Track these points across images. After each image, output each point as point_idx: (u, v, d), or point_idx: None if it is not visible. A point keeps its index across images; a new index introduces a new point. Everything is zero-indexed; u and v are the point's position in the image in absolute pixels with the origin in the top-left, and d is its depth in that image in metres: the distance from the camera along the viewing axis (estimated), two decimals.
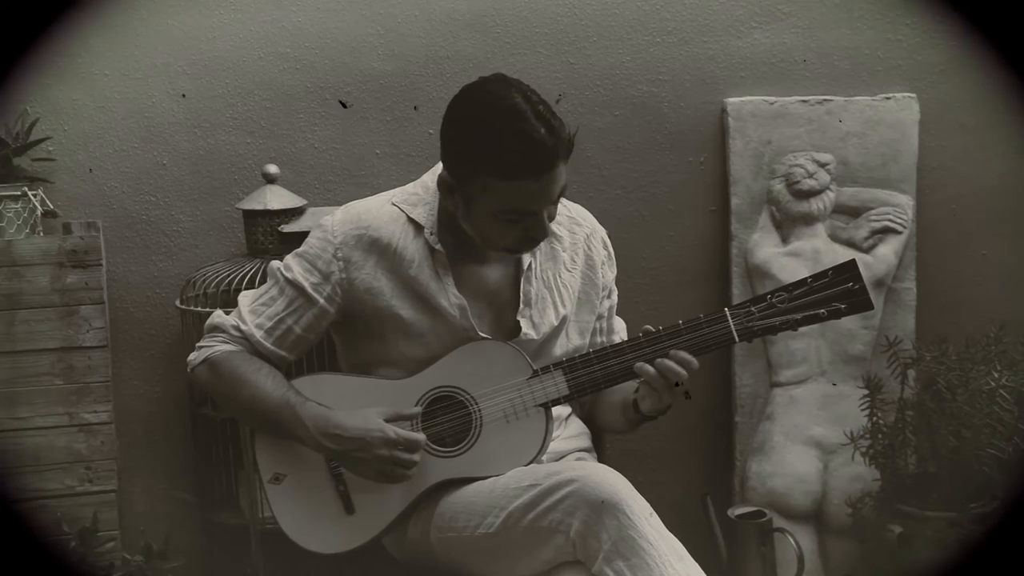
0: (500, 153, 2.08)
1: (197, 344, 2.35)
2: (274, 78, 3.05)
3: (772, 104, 3.18)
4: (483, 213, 2.16)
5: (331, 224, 2.29)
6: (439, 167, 2.24)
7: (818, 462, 3.22)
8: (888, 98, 3.22)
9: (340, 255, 2.27)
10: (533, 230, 2.17)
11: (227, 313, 2.35)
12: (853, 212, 3.22)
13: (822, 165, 3.19)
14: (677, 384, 2.17)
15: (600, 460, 2.43)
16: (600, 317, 2.42)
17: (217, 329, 2.33)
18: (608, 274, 2.43)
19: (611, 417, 2.40)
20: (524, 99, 2.09)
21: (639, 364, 2.18)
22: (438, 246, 2.26)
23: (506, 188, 2.10)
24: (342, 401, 2.25)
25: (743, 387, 3.23)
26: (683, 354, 2.18)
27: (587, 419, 2.47)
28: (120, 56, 2.98)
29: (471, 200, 2.16)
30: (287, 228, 2.89)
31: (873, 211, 3.21)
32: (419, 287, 2.27)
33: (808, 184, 3.17)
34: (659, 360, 2.17)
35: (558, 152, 2.09)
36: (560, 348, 2.35)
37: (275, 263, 2.33)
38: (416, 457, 2.20)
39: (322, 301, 2.28)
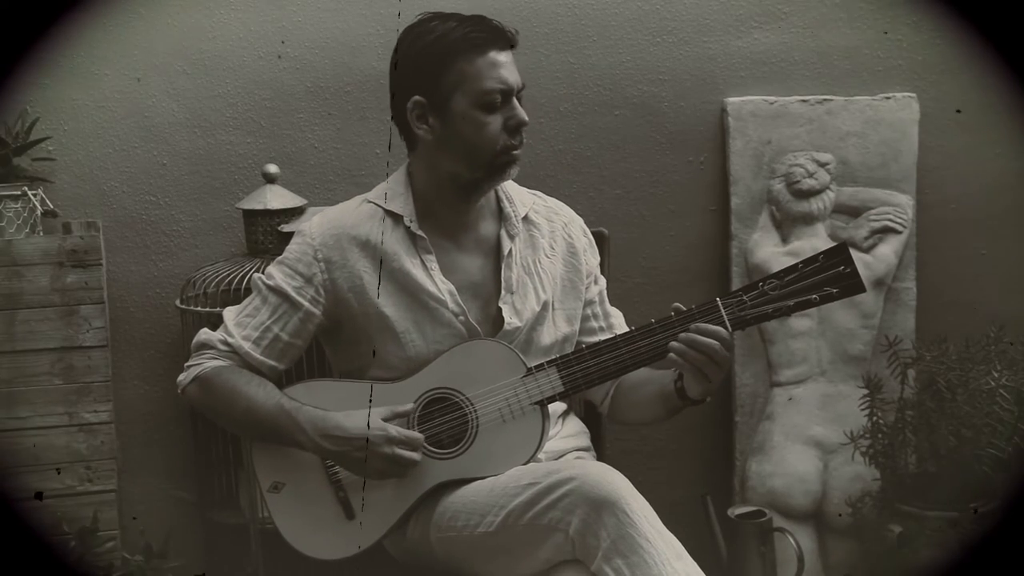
0: (463, 34, 2.20)
1: (185, 364, 2.35)
2: (274, 78, 3.06)
3: (772, 104, 3.18)
4: (463, 111, 2.20)
5: (309, 228, 2.31)
6: (406, 164, 2.32)
7: (818, 462, 3.22)
8: (888, 98, 3.22)
9: (320, 256, 2.28)
10: (512, 118, 2.23)
11: (214, 330, 2.34)
12: (853, 212, 3.22)
13: (822, 165, 3.18)
14: (713, 361, 2.14)
15: (600, 459, 2.43)
16: (591, 303, 2.43)
17: (204, 346, 2.33)
18: (592, 260, 2.44)
19: (648, 411, 2.38)
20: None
21: (674, 344, 2.15)
22: (420, 232, 2.28)
23: (479, 67, 2.19)
24: (338, 405, 2.25)
25: (743, 387, 3.23)
26: (708, 327, 2.15)
27: (611, 416, 2.46)
28: (120, 56, 2.98)
29: (448, 102, 2.20)
30: (287, 228, 2.88)
31: (873, 211, 3.21)
32: (403, 279, 2.28)
33: (808, 184, 3.17)
34: (686, 335, 2.14)
35: (507, 30, 2.23)
36: (548, 336, 2.35)
37: (257, 275, 2.34)
38: (417, 456, 2.20)
39: (306, 304, 2.28)
